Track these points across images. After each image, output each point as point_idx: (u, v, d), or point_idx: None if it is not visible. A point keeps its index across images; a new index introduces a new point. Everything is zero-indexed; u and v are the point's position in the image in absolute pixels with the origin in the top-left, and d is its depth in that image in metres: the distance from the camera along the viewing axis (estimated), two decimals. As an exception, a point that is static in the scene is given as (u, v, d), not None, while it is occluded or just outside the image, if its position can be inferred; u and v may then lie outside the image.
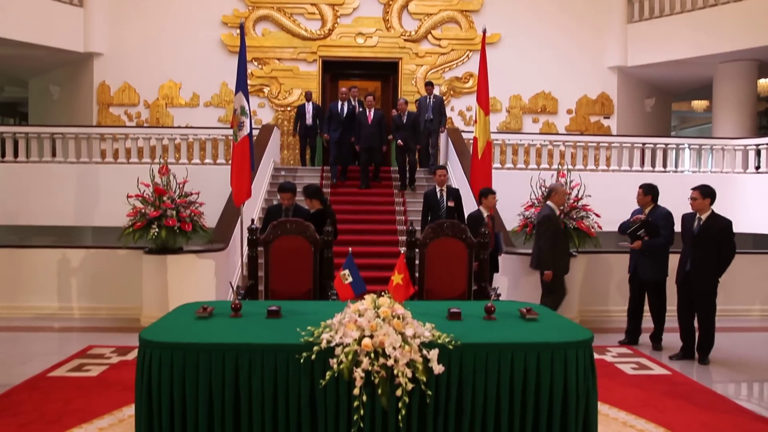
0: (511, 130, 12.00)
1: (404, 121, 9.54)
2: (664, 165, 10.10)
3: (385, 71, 12.48)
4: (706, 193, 5.40)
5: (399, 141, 9.62)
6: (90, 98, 11.93)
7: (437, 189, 7.22)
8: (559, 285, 6.09)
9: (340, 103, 9.91)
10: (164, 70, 11.91)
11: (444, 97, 11.56)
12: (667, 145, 10.23)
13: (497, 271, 6.72)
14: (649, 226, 5.79)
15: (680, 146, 10.34)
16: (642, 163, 10.22)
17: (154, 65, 11.85)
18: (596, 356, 3.06)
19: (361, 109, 9.74)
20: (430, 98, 10.11)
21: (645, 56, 11.93)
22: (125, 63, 11.83)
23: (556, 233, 6.06)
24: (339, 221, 6.18)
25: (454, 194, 7.29)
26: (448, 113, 11.40)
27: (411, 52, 12.20)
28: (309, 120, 10.53)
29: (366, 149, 9.53)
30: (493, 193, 6.65)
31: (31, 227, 9.81)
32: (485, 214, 6.49)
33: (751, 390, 5.09)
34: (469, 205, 7.90)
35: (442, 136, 10.27)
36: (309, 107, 10.64)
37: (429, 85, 10.40)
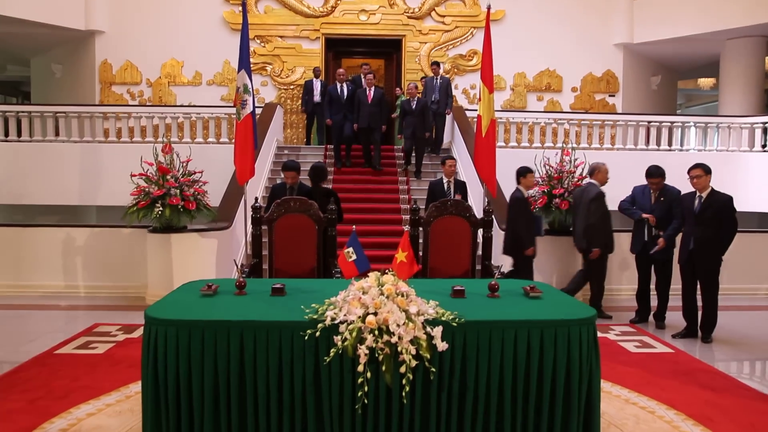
0: (515, 108, 11.91)
1: (413, 107, 9.18)
2: (670, 143, 10.02)
3: (389, 49, 12.36)
4: (708, 170, 5.40)
5: (399, 135, 9.57)
6: (92, 77, 11.88)
7: (444, 180, 6.83)
8: (603, 265, 6.13)
9: (339, 85, 9.65)
10: (166, 48, 11.82)
11: (449, 76, 11.45)
12: (672, 123, 10.14)
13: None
14: (655, 225, 5.83)
15: (686, 124, 10.24)
16: (647, 142, 10.14)
17: (156, 43, 11.76)
18: (599, 334, 3.07)
19: (361, 88, 9.57)
20: (437, 79, 9.98)
21: (651, 33, 11.78)
22: (127, 41, 11.74)
23: (605, 212, 6.04)
24: (343, 200, 6.17)
25: (462, 187, 6.89)
26: (452, 92, 11.27)
27: (414, 29, 12.07)
28: (317, 97, 10.38)
29: (365, 128, 9.28)
30: (532, 171, 6.25)
31: (35, 206, 9.83)
32: (526, 194, 6.18)
33: (753, 368, 5.11)
34: (474, 186, 7.87)
35: (448, 119, 10.15)
36: (317, 84, 10.52)
37: (435, 65, 10.27)
